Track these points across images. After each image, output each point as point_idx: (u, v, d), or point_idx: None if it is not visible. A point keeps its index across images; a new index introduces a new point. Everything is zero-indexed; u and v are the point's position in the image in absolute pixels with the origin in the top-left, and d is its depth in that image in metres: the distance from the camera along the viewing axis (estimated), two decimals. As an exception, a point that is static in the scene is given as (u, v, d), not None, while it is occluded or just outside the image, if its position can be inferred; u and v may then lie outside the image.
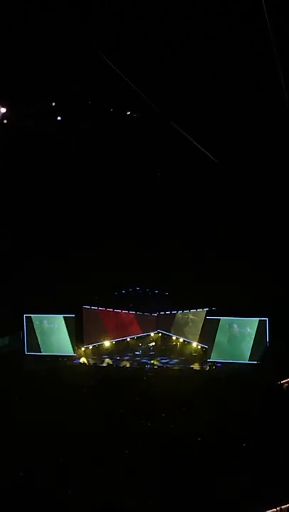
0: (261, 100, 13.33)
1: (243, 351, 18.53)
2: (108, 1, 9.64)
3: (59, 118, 17.41)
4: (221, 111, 14.26)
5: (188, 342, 20.24)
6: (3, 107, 17.63)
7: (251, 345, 18.37)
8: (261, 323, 18.32)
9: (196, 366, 19.08)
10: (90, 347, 20.68)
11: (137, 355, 20.59)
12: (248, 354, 18.38)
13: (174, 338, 20.62)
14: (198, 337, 19.98)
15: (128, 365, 19.39)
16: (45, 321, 20.70)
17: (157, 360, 19.83)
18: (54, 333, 20.60)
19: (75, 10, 10.46)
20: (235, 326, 18.76)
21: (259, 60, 11.45)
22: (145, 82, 13.23)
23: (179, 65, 12.22)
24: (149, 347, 20.85)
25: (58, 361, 19.64)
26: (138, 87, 13.31)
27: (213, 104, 13.95)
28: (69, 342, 20.36)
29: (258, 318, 18.37)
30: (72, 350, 20.27)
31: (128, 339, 20.94)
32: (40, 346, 20.63)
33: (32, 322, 20.76)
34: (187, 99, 13.90)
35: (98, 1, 9.56)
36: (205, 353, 19.29)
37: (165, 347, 20.80)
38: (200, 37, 10.88)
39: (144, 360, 19.93)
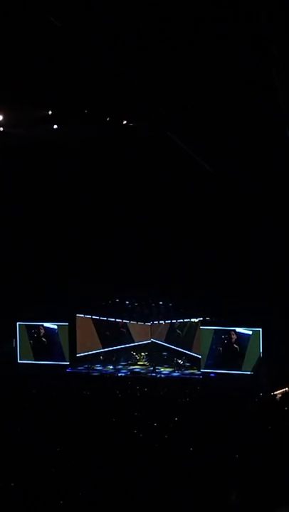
0: (259, 109, 13.40)
1: (237, 361, 18.53)
2: (106, 10, 9.67)
3: (55, 126, 17.41)
4: (218, 120, 14.30)
5: (181, 352, 20.22)
6: (-1, 114, 17.65)
7: (245, 356, 18.38)
8: (255, 334, 18.35)
9: (189, 375, 19.05)
10: (83, 355, 20.63)
11: (130, 364, 20.55)
12: (242, 364, 18.38)
13: (167, 347, 20.60)
14: (191, 347, 19.98)
15: (121, 374, 19.33)
16: (38, 329, 20.66)
17: (150, 369, 19.79)
18: (47, 341, 20.55)
19: (72, 17, 10.49)
20: (229, 336, 18.76)
21: (258, 69, 11.51)
22: (143, 91, 13.28)
23: (177, 73, 12.26)
24: (143, 356, 20.81)
25: (51, 369, 19.57)
26: (135, 96, 13.37)
27: (211, 113, 13.99)
28: (62, 350, 20.31)
29: (252, 329, 18.39)
30: (65, 359, 20.21)
31: (121, 348, 20.90)
32: (33, 354, 20.57)
33: (25, 330, 20.72)
34: (185, 108, 13.93)
35: (95, 8, 9.57)
36: (198, 363, 19.27)
37: (158, 356, 20.76)
38: (198, 45, 10.93)
39: (137, 370, 19.90)
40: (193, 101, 13.42)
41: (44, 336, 20.58)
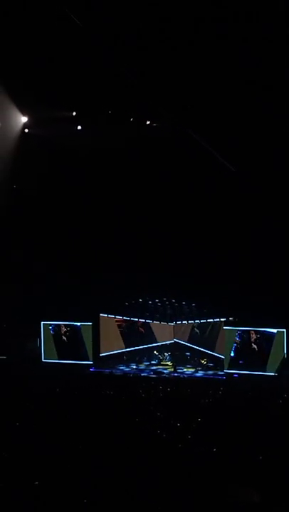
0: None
1: (260, 362, 18.40)
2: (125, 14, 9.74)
3: (79, 127, 17.53)
4: (239, 119, 14.26)
5: (204, 352, 20.17)
6: (24, 116, 17.85)
7: (269, 357, 18.25)
8: (279, 334, 18.19)
9: (212, 376, 18.99)
10: (107, 355, 20.73)
11: (153, 365, 20.57)
12: (266, 365, 18.25)
13: (190, 347, 20.57)
14: (214, 347, 19.91)
15: (144, 374, 19.36)
16: (62, 329, 20.84)
17: (173, 369, 19.79)
18: (71, 340, 20.71)
19: (95, 21, 10.59)
20: (253, 336, 18.65)
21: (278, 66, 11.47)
22: (165, 91, 13.32)
23: (197, 73, 12.28)
24: (166, 356, 20.82)
25: (75, 369, 19.72)
26: (157, 96, 13.42)
27: (232, 112, 13.96)
28: (86, 350, 20.44)
29: (276, 329, 18.25)
30: (88, 358, 20.34)
31: (144, 348, 20.95)
32: (57, 354, 20.76)
33: (49, 329, 20.92)
34: (205, 107, 13.93)
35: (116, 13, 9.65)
36: (221, 364, 19.19)
37: (181, 356, 20.75)
38: (218, 44, 10.93)
39: (160, 370, 19.91)
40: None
41: (68, 336, 20.74)
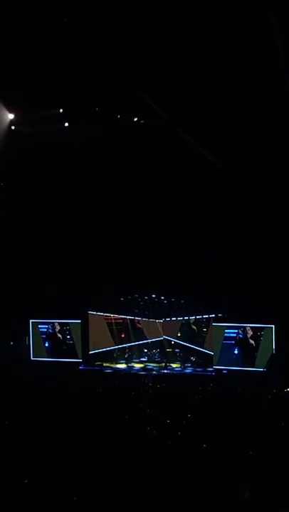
0: (269, 106, 13.37)
1: (249, 358, 18.49)
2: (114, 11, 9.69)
3: (66, 124, 17.43)
4: (227, 116, 14.27)
5: (194, 348, 20.22)
6: (10, 113, 17.71)
7: (257, 353, 18.34)
8: (268, 330, 18.29)
9: (202, 372, 19.06)
10: (96, 353, 20.71)
11: (143, 361, 20.59)
12: (254, 361, 18.34)
13: (179, 344, 20.61)
14: (204, 343, 19.97)
15: (134, 371, 19.38)
16: (50, 327, 20.77)
17: (163, 366, 19.83)
18: (60, 338, 20.65)
19: (82, 17, 10.53)
20: (241, 332, 18.73)
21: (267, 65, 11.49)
22: (152, 88, 13.28)
23: (186, 69, 12.25)
24: (155, 353, 20.85)
25: (64, 367, 19.67)
26: (145, 92, 13.38)
27: (220, 109, 13.96)
28: (75, 348, 20.41)
29: (265, 325, 18.34)
30: (78, 356, 20.30)
31: (134, 345, 20.96)
32: (46, 352, 20.69)
33: (38, 328, 20.84)
34: (194, 104, 13.91)
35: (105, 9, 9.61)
36: (211, 360, 19.26)
37: (171, 353, 20.79)
38: (207, 41, 10.91)
39: (149, 367, 19.93)
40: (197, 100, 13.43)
41: (57, 334, 20.68)
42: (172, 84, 12.76)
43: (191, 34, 10.44)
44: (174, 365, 20.11)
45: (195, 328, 20.46)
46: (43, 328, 20.84)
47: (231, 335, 18.86)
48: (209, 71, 11.96)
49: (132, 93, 13.19)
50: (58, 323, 20.69)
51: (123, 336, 21.11)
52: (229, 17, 9.58)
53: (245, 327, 18.68)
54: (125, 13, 9.66)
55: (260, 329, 18.46)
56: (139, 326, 21.17)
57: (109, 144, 16.81)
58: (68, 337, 20.55)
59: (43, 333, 20.80)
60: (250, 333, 18.59)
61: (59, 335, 20.66)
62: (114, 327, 21.18)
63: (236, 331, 18.80)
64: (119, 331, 21.11)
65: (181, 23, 10.04)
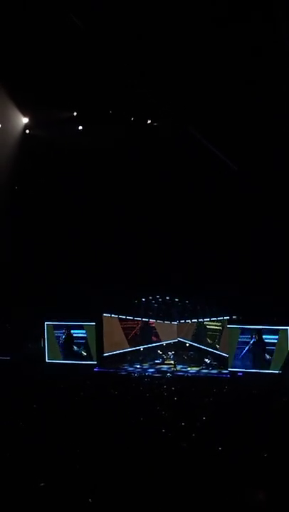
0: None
1: (264, 361, 18.39)
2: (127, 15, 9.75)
3: (80, 127, 17.53)
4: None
5: (208, 350, 20.16)
6: (25, 116, 17.85)
7: (273, 355, 18.24)
8: (283, 332, 18.18)
9: (216, 375, 18.98)
10: (110, 355, 20.74)
11: (157, 364, 20.58)
12: (270, 364, 18.24)
13: (194, 346, 20.57)
14: (218, 346, 19.91)
15: (149, 374, 19.37)
16: (66, 329, 20.85)
17: (178, 369, 19.79)
18: (74, 341, 20.72)
19: (96, 22, 10.60)
20: (256, 334, 18.63)
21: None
22: (165, 90, 13.32)
23: (198, 71, 12.28)
24: (170, 355, 20.83)
25: (79, 369, 19.72)
26: (158, 95, 13.42)
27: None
28: (89, 350, 20.45)
29: (280, 327, 18.23)
30: (92, 358, 20.34)
31: (148, 347, 20.95)
32: (61, 354, 20.77)
33: (53, 330, 20.93)
34: (206, 106, 13.93)
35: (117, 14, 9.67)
36: (226, 362, 19.19)
37: (185, 355, 20.75)
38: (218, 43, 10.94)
39: (164, 369, 19.91)
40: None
41: (72, 336, 20.75)
42: (175, 84, 12.79)
43: (195, 34, 10.45)
44: (188, 368, 20.05)
45: (210, 330, 20.39)
46: (57, 331, 20.92)
47: (246, 337, 18.77)
48: (210, 71, 11.97)
49: (135, 96, 13.24)
50: (73, 325, 20.76)
51: (137, 338, 21.11)
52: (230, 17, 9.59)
53: (260, 329, 18.58)
54: (135, 15, 9.71)
55: (275, 331, 18.35)
56: (154, 328, 21.16)
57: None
58: (83, 339, 20.60)
59: (57, 335, 20.88)
60: (265, 335, 18.49)
61: (74, 337, 20.72)
62: (128, 329, 21.19)
63: (251, 333, 18.70)
64: (133, 333, 21.12)
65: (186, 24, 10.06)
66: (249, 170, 16.30)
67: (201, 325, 20.58)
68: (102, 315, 20.80)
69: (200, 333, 20.63)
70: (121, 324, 21.17)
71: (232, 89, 12.83)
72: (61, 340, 20.78)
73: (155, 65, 12.02)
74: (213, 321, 20.19)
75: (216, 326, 20.17)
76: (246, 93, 12.94)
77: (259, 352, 18.51)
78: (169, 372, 19.32)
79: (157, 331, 21.13)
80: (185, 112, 14.27)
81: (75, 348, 20.59)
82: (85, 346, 20.52)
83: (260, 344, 18.52)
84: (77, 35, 11.07)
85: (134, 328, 21.19)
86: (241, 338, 18.80)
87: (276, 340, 18.25)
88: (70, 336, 20.72)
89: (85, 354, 20.48)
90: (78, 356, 20.54)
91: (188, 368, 19.97)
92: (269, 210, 16.97)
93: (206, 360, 20.06)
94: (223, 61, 11.57)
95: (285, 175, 15.82)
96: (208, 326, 20.45)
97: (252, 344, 18.66)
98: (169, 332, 20.96)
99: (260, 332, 18.56)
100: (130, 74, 12.13)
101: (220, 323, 19.94)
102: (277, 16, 9.52)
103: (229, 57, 11.36)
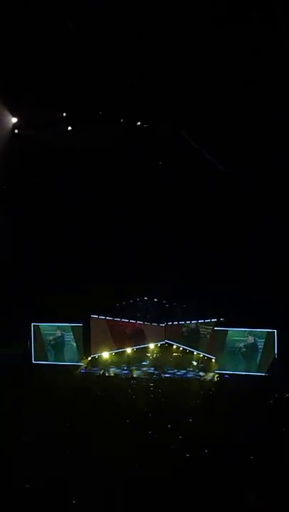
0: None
1: (251, 363, 18.45)
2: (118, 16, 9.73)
3: (69, 128, 17.48)
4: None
5: (195, 353, 20.18)
6: (14, 116, 17.77)
7: (259, 357, 18.31)
8: (270, 335, 18.25)
9: (203, 377, 19.00)
10: (97, 356, 20.67)
11: (144, 366, 20.54)
12: (257, 366, 18.30)
13: (181, 348, 20.56)
14: (206, 348, 19.92)
15: (135, 375, 19.32)
16: (52, 330, 20.75)
17: (164, 371, 19.76)
18: (61, 342, 20.63)
19: (86, 22, 10.57)
20: (244, 337, 18.69)
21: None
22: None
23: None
24: (157, 357, 20.79)
25: (65, 370, 19.63)
26: (148, 96, 13.41)
27: (219, 109, 13.98)
28: (76, 351, 20.39)
29: (267, 330, 18.30)
30: (79, 360, 20.28)
31: (135, 349, 20.91)
32: (47, 355, 20.67)
33: (39, 331, 20.82)
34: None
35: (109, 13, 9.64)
36: (213, 364, 19.22)
37: (172, 357, 20.73)
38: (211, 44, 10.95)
39: (150, 371, 19.88)
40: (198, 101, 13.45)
41: (58, 337, 20.66)
42: (175, 84, 12.79)
43: (193, 34, 10.47)
44: (175, 370, 20.03)
45: (197, 332, 20.39)
46: (45, 331, 20.81)
47: (234, 339, 18.81)
48: (210, 71, 11.99)
49: (134, 96, 13.24)
50: (60, 326, 20.66)
51: (125, 339, 21.04)
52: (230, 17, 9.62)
53: (247, 331, 18.63)
54: (127, 14, 9.70)
55: (262, 334, 18.41)
56: (141, 329, 21.11)
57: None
58: (70, 340, 20.52)
59: (45, 336, 20.77)
60: (252, 337, 18.54)
61: (60, 338, 20.62)
62: (116, 331, 21.13)
63: (239, 335, 18.75)
64: (121, 335, 21.06)
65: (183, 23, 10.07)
66: (249, 170, 16.31)
67: (188, 327, 20.57)
68: (89, 316, 20.73)
69: (187, 336, 20.61)
70: (108, 325, 21.10)
71: (232, 90, 12.84)
72: (48, 341, 20.67)
73: (155, 65, 12.00)
74: (201, 323, 20.20)
75: (203, 328, 20.17)
76: (246, 93, 12.96)
77: (246, 354, 18.57)
78: (155, 374, 19.29)
79: (145, 332, 21.08)
80: (185, 112, 14.26)
81: (63, 349, 20.51)
82: (72, 347, 20.47)
83: (248, 346, 18.58)
84: (77, 35, 11.04)
85: (122, 329, 21.12)
86: (229, 340, 18.84)
87: (263, 343, 18.33)
88: (57, 337, 20.64)
89: (72, 355, 20.41)
90: (65, 357, 20.46)
91: (175, 370, 19.96)
92: (269, 210, 17.00)
93: (193, 362, 20.06)
94: (223, 61, 11.59)
95: (285, 175, 15.85)
96: (195, 328, 20.44)
97: (239, 347, 18.71)
98: (157, 334, 20.93)
99: (247, 334, 18.61)
100: (130, 74, 12.10)
101: (207, 326, 19.95)
102: (277, 15, 9.56)
103: (229, 57, 11.38)
